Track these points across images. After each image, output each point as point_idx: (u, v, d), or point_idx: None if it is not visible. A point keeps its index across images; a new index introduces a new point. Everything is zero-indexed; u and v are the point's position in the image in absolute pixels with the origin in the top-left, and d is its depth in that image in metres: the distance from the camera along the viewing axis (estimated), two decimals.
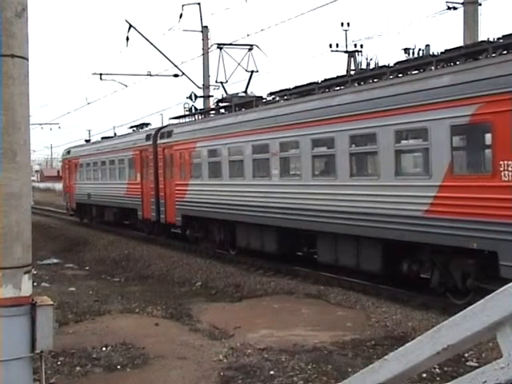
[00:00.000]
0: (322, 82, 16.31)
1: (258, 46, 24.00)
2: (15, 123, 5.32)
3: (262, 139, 17.32)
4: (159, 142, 24.57)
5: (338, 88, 15.40)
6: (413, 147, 13.44)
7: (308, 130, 15.33)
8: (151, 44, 28.53)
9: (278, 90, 18.38)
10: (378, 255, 13.66)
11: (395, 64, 13.86)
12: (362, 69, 16.41)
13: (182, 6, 28.29)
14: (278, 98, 18.50)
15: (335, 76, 16.07)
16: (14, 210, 5.33)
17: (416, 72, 13.10)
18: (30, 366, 5.52)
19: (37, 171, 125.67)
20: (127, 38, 28.13)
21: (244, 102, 20.28)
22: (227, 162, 19.23)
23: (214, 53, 32.11)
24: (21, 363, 5.37)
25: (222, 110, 21.65)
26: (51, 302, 5.56)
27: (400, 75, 13.51)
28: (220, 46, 24.20)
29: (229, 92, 23.48)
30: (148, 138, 25.76)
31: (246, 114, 18.91)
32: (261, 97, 19.90)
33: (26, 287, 5.39)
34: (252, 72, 23.51)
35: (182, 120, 24.92)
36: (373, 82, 14.20)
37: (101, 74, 31.73)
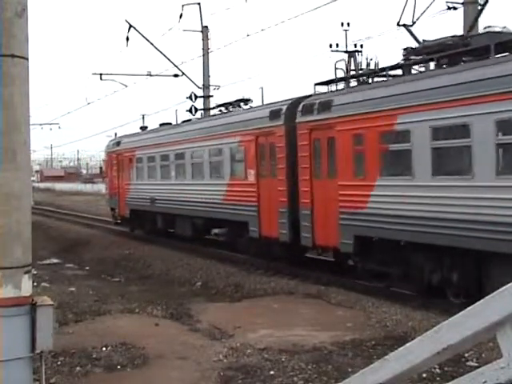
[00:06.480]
0: None
1: None
2: (15, 123, 5.32)
3: None
4: (300, 120, 16.14)
5: None
6: None
7: None
8: (151, 44, 28.57)
9: None
10: None
11: None
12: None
13: (182, 6, 28.29)
14: None
15: None
16: (14, 210, 5.33)
17: None
18: (30, 366, 5.52)
19: (37, 171, 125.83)
20: (127, 38, 28.17)
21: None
22: (486, 148, 10.89)
23: (214, 53, 32.09)
24: (21, 363, 5.37)
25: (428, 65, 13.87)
26: (51, 302, 5.56)
27: None
28: None
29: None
30: (275, 115, 17.28)
31: None
32: None
33: (26, 287, 5.39)
34: None
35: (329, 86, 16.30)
36: None
37: (101, 74, 31.70)
